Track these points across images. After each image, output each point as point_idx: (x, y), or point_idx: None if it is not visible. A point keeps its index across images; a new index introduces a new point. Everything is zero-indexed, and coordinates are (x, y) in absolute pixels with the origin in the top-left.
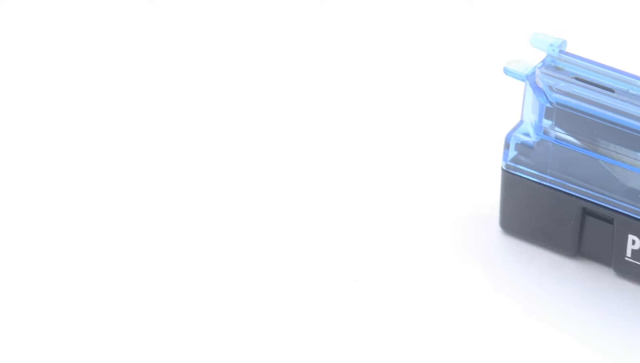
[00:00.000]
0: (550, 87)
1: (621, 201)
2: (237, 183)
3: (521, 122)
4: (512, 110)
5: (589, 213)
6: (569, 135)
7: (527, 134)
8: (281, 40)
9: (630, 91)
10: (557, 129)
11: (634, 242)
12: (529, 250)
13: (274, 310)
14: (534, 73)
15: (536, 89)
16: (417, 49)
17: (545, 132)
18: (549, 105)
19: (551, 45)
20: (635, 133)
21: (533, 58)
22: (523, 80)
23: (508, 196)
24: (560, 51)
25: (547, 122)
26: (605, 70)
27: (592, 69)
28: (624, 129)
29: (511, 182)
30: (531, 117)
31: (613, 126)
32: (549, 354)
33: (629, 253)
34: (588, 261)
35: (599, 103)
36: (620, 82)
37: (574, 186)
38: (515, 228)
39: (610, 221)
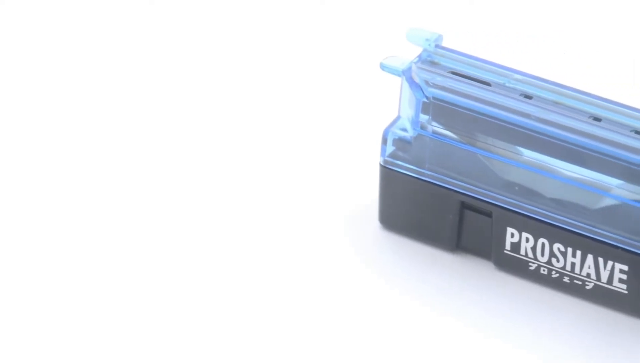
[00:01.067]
0: (427, 82)
1: (499, 195)
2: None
3: (398, 117)
4: (389, 106)
5: (468, 207)
6: (446, 129)
7: (405, 130)
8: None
9: (507, 84)
10: (434, 123)
11: (512, 235)
12: (409, 245)
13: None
14: (410, 68)
15: (412, 84)
16: (294, 46)
17: (423, 127)
18: (425, 100)
19: (427, 40)
20: (512, 126)
21: (410, 53)
22: (399, 75)
23: (387, 191)
24: (436, 46)
25: (424, 117)
26: (481, 63)
27: (468, 63)
28: (500, 123)
29: (389, 177)
30: (408, 112)
31: (490, 119)
32: (430, 347)
33: (508, 246)
34: (468, 255)
35: (475, 97)
36: (497, 75)
37: (452, 181)
38: (394, 223)
39: (489, 215)
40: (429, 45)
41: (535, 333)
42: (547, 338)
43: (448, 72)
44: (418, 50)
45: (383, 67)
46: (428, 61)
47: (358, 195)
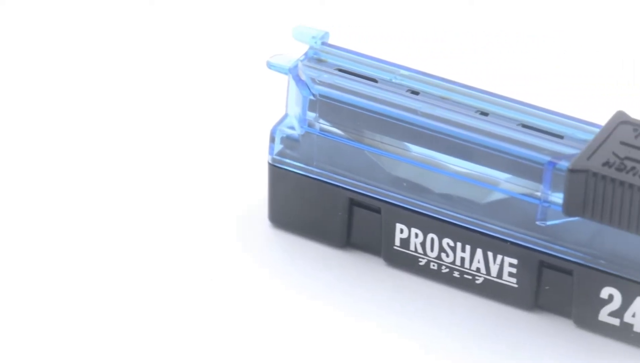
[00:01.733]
0: (313, 80)
1: (388, 191)
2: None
3: (286, 115)
4: (277, 104)
5: (357, 203)
6: (334, 127)
7: (292, 128)
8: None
9: (393, 80)
10: (321, 121)
11: (402, 231)
12: (299, 243)
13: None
14: (296, 66)
15: (299, 82)
16: (180, 44)
17: (310, 125)
18: (312, 97)
19: (313, 37)
20: (398, 122)
21: (297, 51)
22: (286, 73)
23: (276, 190)
24: (323, 43)
25: (311, 115)
26: (367, 60)
27: (354, 60)
28: (387, 119)
29: (278, 175)
30: (295, 110)
31: (377, 115)
32: (322, 343)
33: (397, 242)
34: (358, 251)
35: (362, 94)
36: (383, 71)
37: (341, 178)
38: (285, 221)
39: (377, 211)
40: (315, 42)
41: (426, 328)
42: (438, 333)
43: (334, 69)
44: (305, 48)
45: (270, 65)
46: (314, 58)
47: (248, 194)
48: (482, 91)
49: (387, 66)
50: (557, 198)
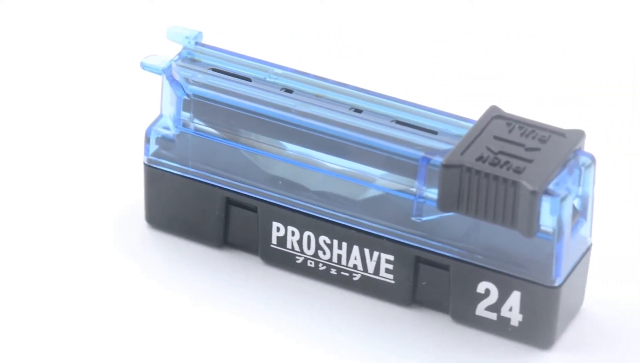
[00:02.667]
0: (187, 80)
1: (263, 189)
2: None
3: (161, 116)
4: (152, 104)
5: (233, 202)
6: (208, 126)
7: (167, 128)
8: None
9: (267, 79)
10: (196, 121)
11: (278, 229)
12: (176, 243)
13: None
14: (170, 66)
15: (173, 82)
16: (55, 44)
17: (185, 125)
18: (186, 97)
19: (187, 37)
20: (273, 120)
21: (171, 52)
22: (160, 73)
23: (152, 190)
24: (196, 43)
25: (185, 115)
26: (241, 59)
27: (228, 59)
28: (261, 117)
29: (154, 176)
30: (170, 110)
31: (251, 114)
32: (203, 343)
33: (274, 241)
34: (236, 250)
35: (236, 93)
36: (257, 70)
37: (216, 177)
38: (161, 222)
39: (254, 210)
40: (189, 42)
41: (305, 326)
42: (317, 330)
43: (208, 69)
44: (179, 48)
45: (144, 66)
46: (188, 58)
47: (125, 195)
48: (356, 88)
49: (261, 65)
50: (432, 193)
